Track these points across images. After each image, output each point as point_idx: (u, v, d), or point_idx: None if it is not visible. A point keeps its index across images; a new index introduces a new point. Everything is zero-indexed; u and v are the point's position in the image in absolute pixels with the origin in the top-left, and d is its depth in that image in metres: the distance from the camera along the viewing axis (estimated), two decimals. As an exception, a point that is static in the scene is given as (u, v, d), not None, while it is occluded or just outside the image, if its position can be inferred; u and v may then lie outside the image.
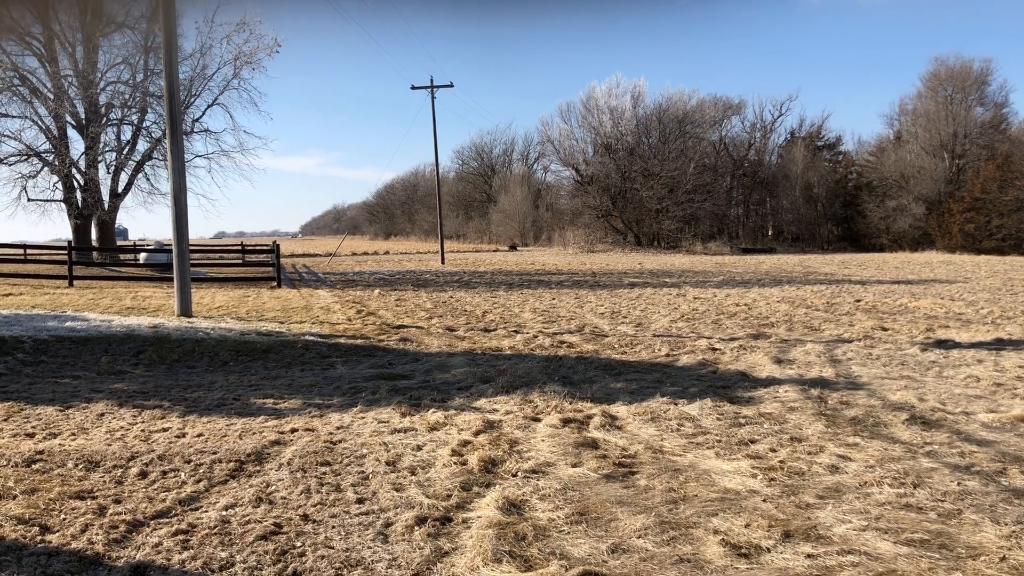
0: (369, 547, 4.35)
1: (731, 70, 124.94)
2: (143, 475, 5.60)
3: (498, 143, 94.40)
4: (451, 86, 43.37)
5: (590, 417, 7.21)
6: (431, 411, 7.45)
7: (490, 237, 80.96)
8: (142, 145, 34.50)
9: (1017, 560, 4.03)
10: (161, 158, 33.70)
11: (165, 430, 6.89)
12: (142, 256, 32.12)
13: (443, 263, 41.19)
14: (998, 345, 11.15)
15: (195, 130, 34.17)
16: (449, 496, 5.14)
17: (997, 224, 44.82)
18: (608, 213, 62.83)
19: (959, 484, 5.26)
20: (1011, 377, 8.86)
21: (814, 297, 19.08)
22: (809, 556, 4.15)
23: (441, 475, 5.59)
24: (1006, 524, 4.52)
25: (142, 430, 6.87)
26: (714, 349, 11.26)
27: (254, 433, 6.79)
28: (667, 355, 10.81)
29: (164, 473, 5.65)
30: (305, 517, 4.79)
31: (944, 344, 11.37)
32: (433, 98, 42.15)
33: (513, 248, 36.19)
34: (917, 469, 5.60)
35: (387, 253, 60.59)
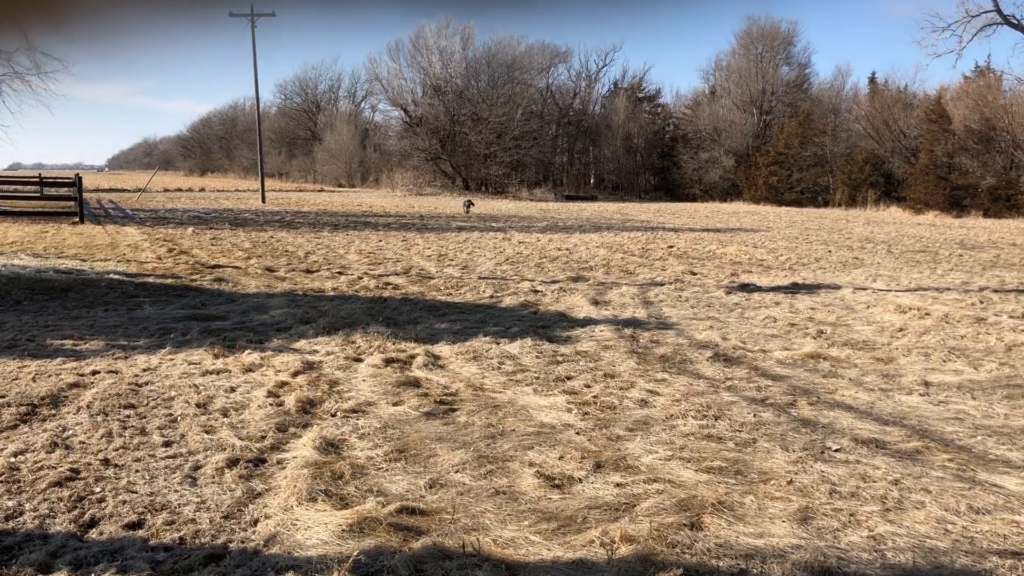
0: (176, 490, 4.15)
1: (558, 18, 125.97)
2: (-85, 423, 5.08)
3: (323, 79, 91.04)
4: (273, 15, 40.84)
5: (413, 357, 7.20)
6: (246, 352, 7.18)
7: (315, 177, 78.59)
8: (-84, 62, 30.66)
9: (801, 483, 4.39)
10: (-60, 78, 30.08)
11: (-57, 374, 6.26)
12: (-82, 186, 28.86)
13: (264, 202, 39.62)
14: (793, 289, 12.05)
15: (-19, 48, 30.71)
16: (264, 437, 4.99)
17: (797, 178, 48.24)
18: (437, 156, 62.43)
19: (755, 416, 5.66)
20: (804, 318, 9.61)
21: (630, 243, 19.87)
22: (618, 485, 4.35)
23: (256, 417, 5.41)
24: (794, 451, 4.92)
25: (-85, 374, 6.22)
26: (536, 291, 11.51)
27: (50, 375, 6.31)
28: (491, 296, 10.94)
29: (-59, 420, 5.15)
30: (106, 462, 4.51)
31: (747, 288, 12.17)
32: (253, 27, 39.97)
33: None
34: (719, 402, 5.98)
35: (203, 190, 57.44)
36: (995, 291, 11.79)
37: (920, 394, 6.30)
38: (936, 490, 4.29)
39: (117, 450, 4.71)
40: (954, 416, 5.72)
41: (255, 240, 18.84)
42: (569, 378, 6.64)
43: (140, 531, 3.70)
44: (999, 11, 36.55)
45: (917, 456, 4.85)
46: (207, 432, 5.08)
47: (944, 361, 7.40)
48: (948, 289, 12.00)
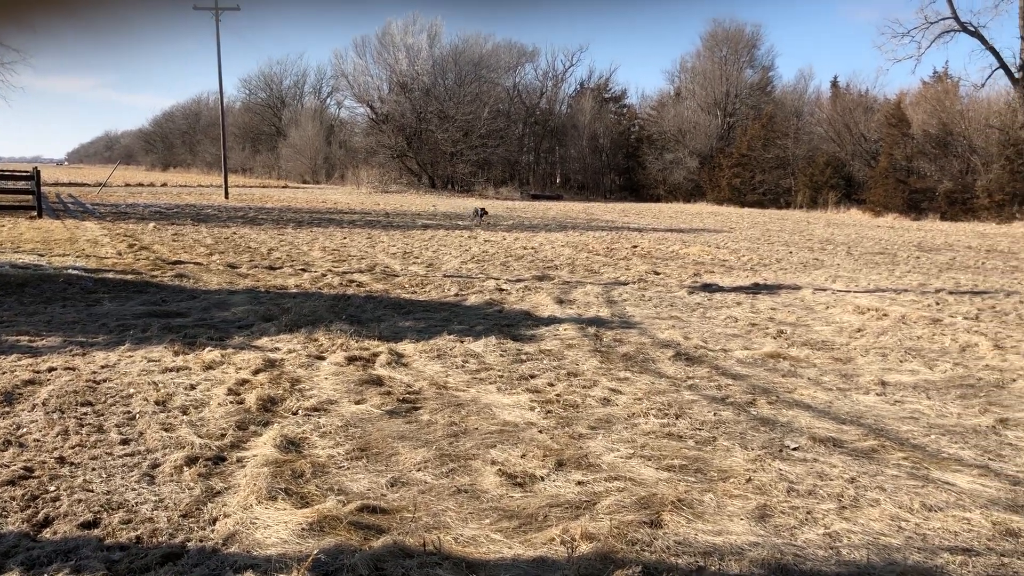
0: (133, 489, 4.10)
1: (525, 18, 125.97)
2: None
3: (289, 74, 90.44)
4: (238, 9, 40.45)
5: (376, 355, 7.17)
6: (207, 350, 7.10)
7: (279, 173, 77.91)
8: None
9: (760, 481, 4.44)
10: None
11: None
12: None
13: (227, 198, 39.17)
14: (755, 289, 12.19)
15: (-66, 36, 29.97)
16: (223, 435, 4.94)
17: (760, 179, 48.78)
18: (403, 154, 62.19)
19: (715, 414, 5.72)
20: (764, 318, 9.72)
21: (595, 242, 19.96)
22: (579, 483, 4.37)
23: (216, 414, 5.35)
24: (753, 449, 4.98)
25: None
26: (501, 289, 11.52)
27: (4, 372, 6.19)
28: (456, 295, 10.93)
29: None
30: (61, 460, 4.44)
31: (709, 288, 12.28)
32: (217, 20, 39.54)
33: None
34: (680, 401, 6.03)
35: (165, 185, 56.59)
36: (950, 293, 12.02)
37: (877, 394, 6.40)
38: (891, 488, 4.37)
39: (73, 448, 4.64)
40: (909, 415, 5.83)
41: (217, 236, 18.63)
42: (533, 376, 6.65)
43: (95, 530, 3.65)
44: (956, 18, 37.35)
45: (873, 455, 4.93)
46: (166, 430, 5.01)
47: (901, 361, 7.54)
48: (905, 290, 12.22)
